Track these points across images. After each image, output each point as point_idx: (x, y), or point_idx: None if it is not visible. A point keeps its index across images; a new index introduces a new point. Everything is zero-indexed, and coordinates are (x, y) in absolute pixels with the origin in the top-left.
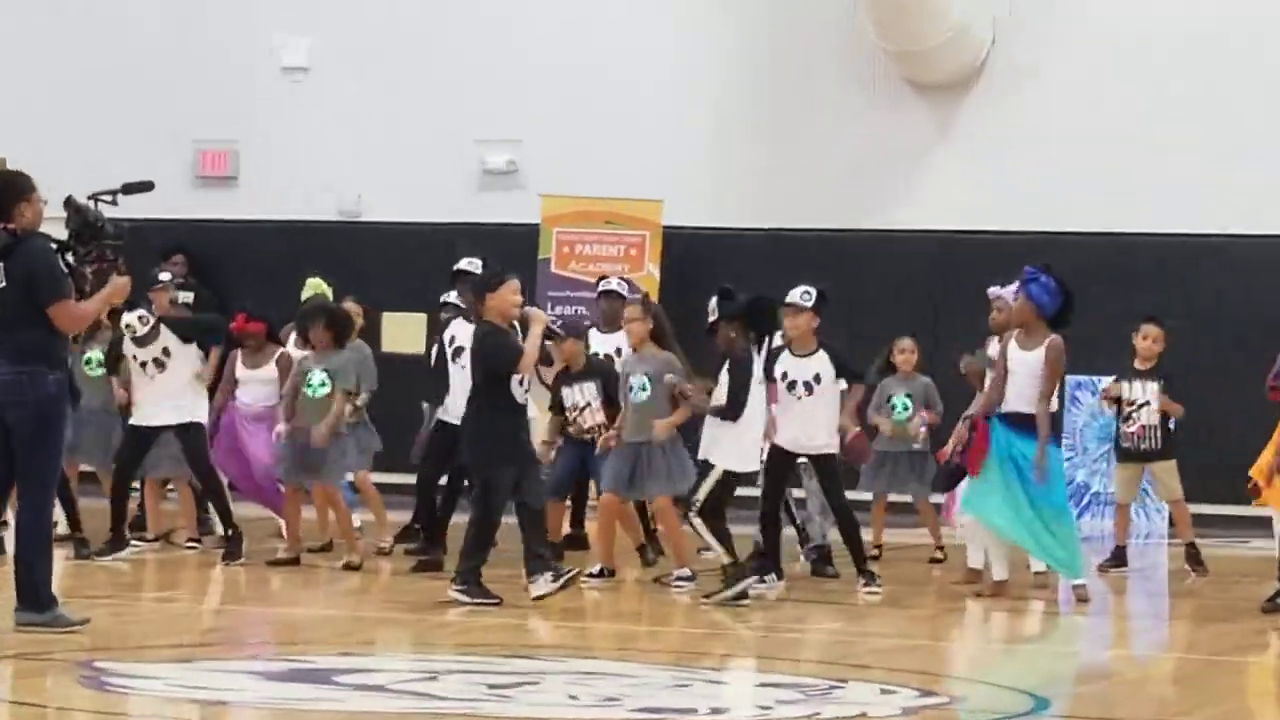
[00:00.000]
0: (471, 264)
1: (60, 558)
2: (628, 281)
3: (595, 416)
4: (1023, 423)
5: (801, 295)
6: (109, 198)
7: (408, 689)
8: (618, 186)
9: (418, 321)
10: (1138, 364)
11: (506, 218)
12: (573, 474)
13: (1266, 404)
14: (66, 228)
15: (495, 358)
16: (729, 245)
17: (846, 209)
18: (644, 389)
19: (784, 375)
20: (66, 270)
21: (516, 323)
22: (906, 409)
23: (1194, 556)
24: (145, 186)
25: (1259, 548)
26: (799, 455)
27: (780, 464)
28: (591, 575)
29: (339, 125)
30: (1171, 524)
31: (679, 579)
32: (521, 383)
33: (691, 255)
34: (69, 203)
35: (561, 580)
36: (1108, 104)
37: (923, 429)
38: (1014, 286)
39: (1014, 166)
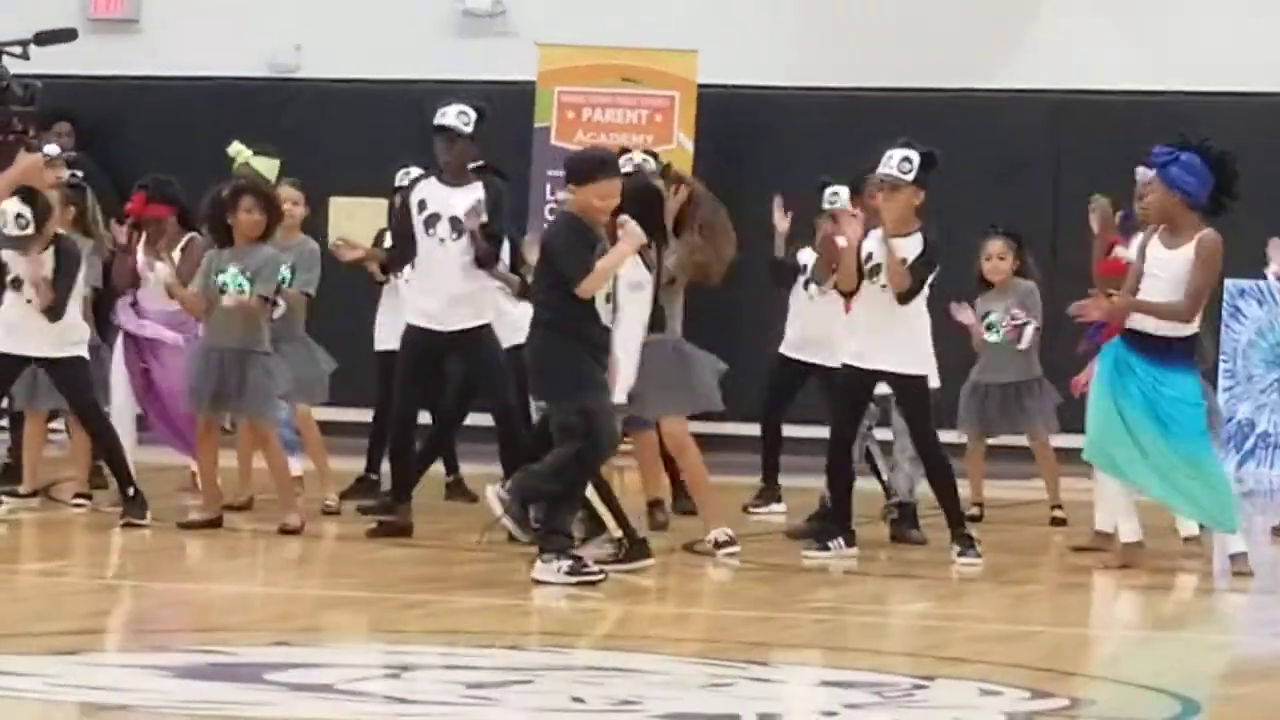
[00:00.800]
0: (463, 116)
1: None
2: (655, 157)
3: None
4: (1165, 349)
5: (900, 165)
6: (18, 50)
7: (362, 689)
8: (638, 33)
9: (374, 208)
10: None
11: (492, 73)
12: None
13: None
14: None
15: (559, 261)
16: (784, 110)
17: (938, 64)
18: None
19: (868, 256)
20: None
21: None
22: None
23: None
24: (66, 35)
25: None
26: (877, 375)
27: (854, 387)
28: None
29: None
30: None
31: (720, 545)
32: (609, 298)
33: (735, 123)
34: None
35: (579, 578)
36: None
37: (1025, 331)
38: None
39: (1156, 8)
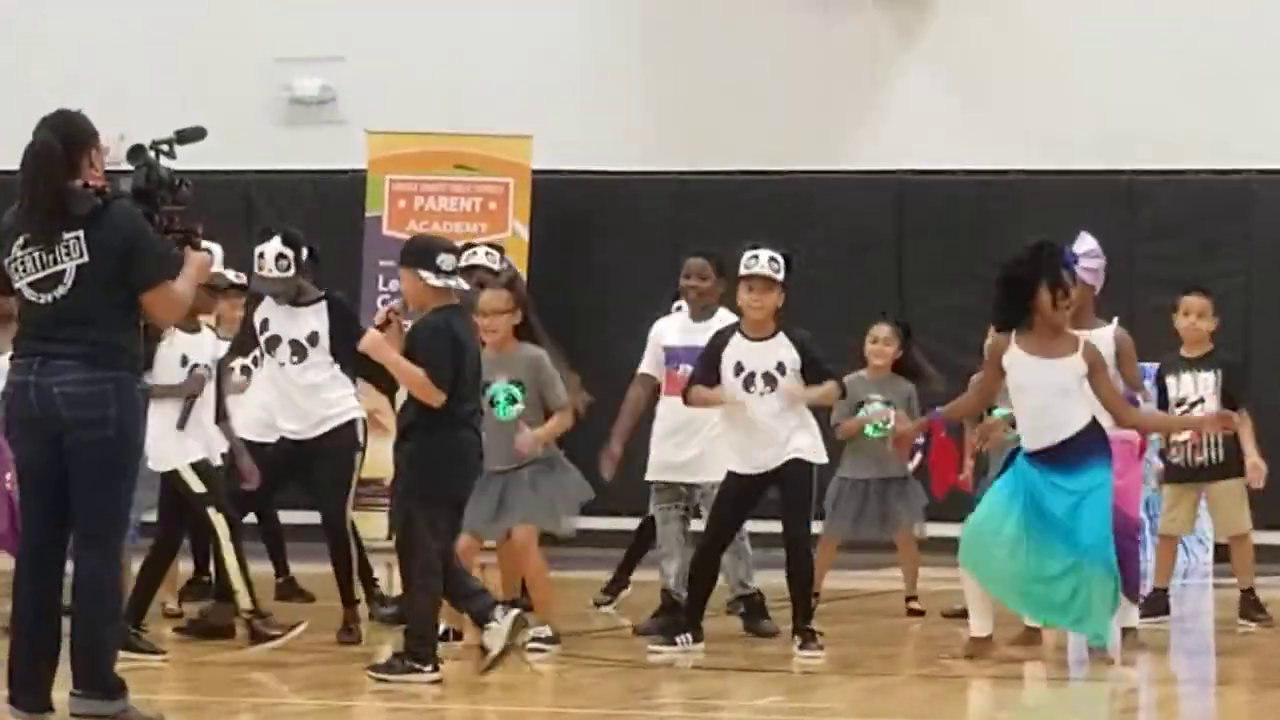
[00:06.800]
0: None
1: None
2: (500, 251)
3: None
4: (1060, 454)
5: (770, 264)
6: (165, 147)
7: None
8: (471, 119)
9: None
10: (1184, 350)
11: (322, 162)
12: None
13: None
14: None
15: None
16: (622, 195)
17: (780, 145)
18: (512, 401)
19: (738, 366)
20: None
21: None
22: (886, 422)
23: (1253, 603)
24: (198, 134)
25: None
26: (765, 475)
27: (741, 492)
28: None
29: (89, 36)
30: (1217, 560)
31: (535, 640)
32: None
33: (571, 209)
34: (138, 154)
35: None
36: (1119, 11)
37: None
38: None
39: (999, 89)
